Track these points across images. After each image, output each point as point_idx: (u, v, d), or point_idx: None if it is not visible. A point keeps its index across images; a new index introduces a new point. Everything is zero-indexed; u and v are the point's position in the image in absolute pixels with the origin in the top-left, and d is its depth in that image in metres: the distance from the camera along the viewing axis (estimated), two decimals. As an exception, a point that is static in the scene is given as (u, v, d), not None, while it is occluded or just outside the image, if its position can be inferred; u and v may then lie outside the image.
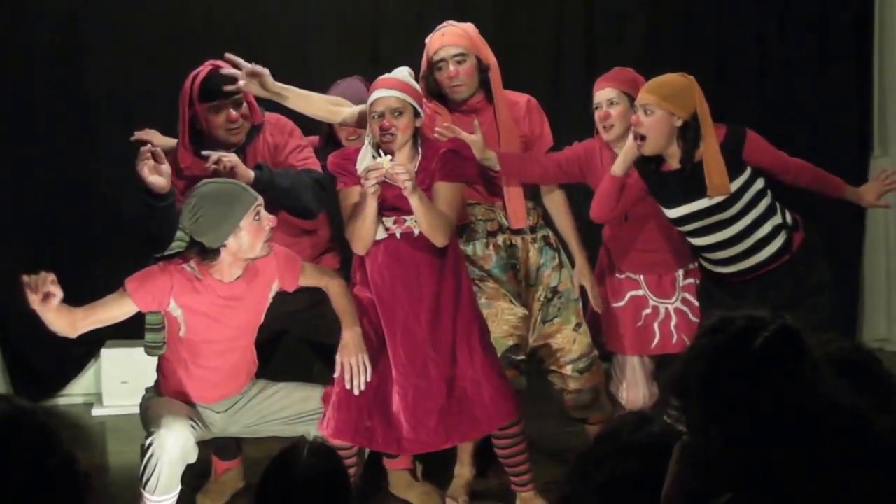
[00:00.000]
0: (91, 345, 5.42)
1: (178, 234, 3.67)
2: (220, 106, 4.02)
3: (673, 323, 4.30)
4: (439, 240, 3.85)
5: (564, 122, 4.68)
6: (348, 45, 5.59)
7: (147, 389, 3.99)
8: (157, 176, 3.86)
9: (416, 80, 3.99)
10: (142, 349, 3.88)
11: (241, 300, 3.78)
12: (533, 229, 4.32)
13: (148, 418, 3.80)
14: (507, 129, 4.24)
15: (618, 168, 4.05)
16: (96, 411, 5.39)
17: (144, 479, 3.67)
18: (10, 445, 1.75)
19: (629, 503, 2.13)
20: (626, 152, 4.04)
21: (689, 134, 3.91)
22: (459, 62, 4.17)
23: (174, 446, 3.65)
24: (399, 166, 3.74)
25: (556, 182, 4.35)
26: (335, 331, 3.94)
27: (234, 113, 4.02)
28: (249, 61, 4.03)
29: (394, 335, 3.92)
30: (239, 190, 3.70)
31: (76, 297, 5.46)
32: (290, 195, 3.98)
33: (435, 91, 4.22)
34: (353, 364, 3.85)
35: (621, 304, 4.34)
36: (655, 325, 4.30)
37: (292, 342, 4.43)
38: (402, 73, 3.94)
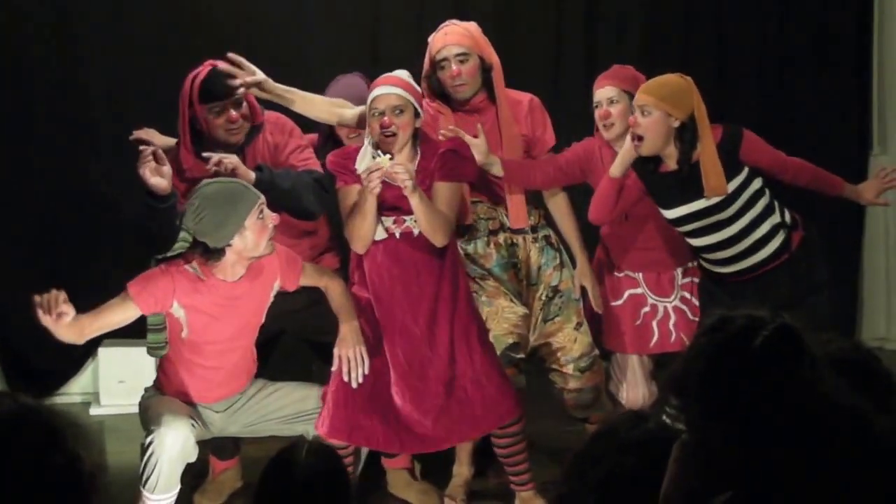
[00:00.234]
0: (88, 344, 5.39)
1: (182, 234, 3.67)
2: (220, 107, 4.02)
3: (671, 321, 4.30)
4: (439, 240, 3.85)
5: (564, 121, 4.68)
6: (348, 45, 5.58)
7: (146, 389, 4.00)
8: (158, 177, 3.85)
9: (416, 80, 3.99)
10: (139, 348, 3.89)
11: (243, 299, 3.78)
12: (534, 229, 4.31)
13: (148, 417, 3.80)
14: (510, 128, 4.23)
15: (615, 169, 4.05)
16: (94, 410, 5.39)
17: (144, 477, 3.67)
18: (16, 443, 1.74)
19: (626, 501, 2.13)
20: (624, 154, 4.03)
21: (686, 135, 3.91)
22: (462, 61, 4.16)
23: (174, 444, 3.65)
24: (399, 166, 3.73)
25: (558, 186, 4.34)
26: (334, 330, 3.94)
27: (233, 114, 4.02)
28: (249, 60, 4.02)
29: (392, 335, 3.92)
30: (242, 189, 3.71)
31: (76, 296, 5.48)
32: (291, 196, 3.98)
33: (438, 91, 4.22)
34: (350, 357, 3.86)
35: (620, 302, 4.34)
36: (654, 324, 4.30)
37: (291, 342, 4.43)
38: (403, 73, 3.94)
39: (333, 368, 3.90)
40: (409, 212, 3.86)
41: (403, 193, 3.76)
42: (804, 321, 2.05)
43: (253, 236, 3.66)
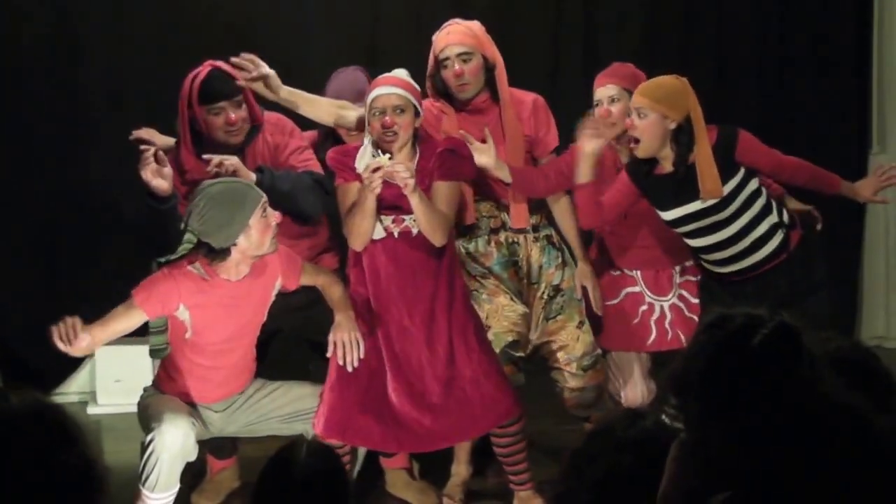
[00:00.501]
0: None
1: (187, 236, 3.68)
2: (220, 108, 4.02)
3: (668, 320, 4.30)
4: (438, 239, 3.84)
5: (563, 121, 4.66)
6: (346, 45, 5.57)
7: (145, 388, 4.00)
8: (159, 179, 3.86)
9: (415, 80, 3.98)
10: (136, 348, 3.90)
11: (247, 298, 3.80)
12: (536, 228, 4.31)
13: (148, 416, 3.79)
14: (513, 128, 4.21)
15: (583, 175, 4.02)
16: (91, 410, 5.38)
17: (144, 475, 3.67)
18: (32, 442, 1.73)
19: (624, 500, 2.13)
20: (584, 159, 4.00)
21: (682, 137, 3.89)
22: (465, 61, 4.14)
23: (175, 442, 3.65)
24: (400, 164, 3.73)
25: (562, 190, 4.31)
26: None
27: (233, 115, 4.02)
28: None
29: (389, 334, 3.92)
30: (246, 189, 3.72)
31: (76, 296, 5.49)
32: (291, 198, 3.98)
33: (441, 90, 4.20)
34: (345, 340, 3.86)
35: (617, 301, 4.34)
36: (652, 322, 4.30)
37: (288, 341, 4.43)
38: (402, 72, 3.93)
39: (329, 355, 3.90)
40: (408, 211, 3.86)
41: (403, 192, 3.76)
42: (803, 320, 2.05)
43: (257, 235, 3.67)
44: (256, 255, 3.72)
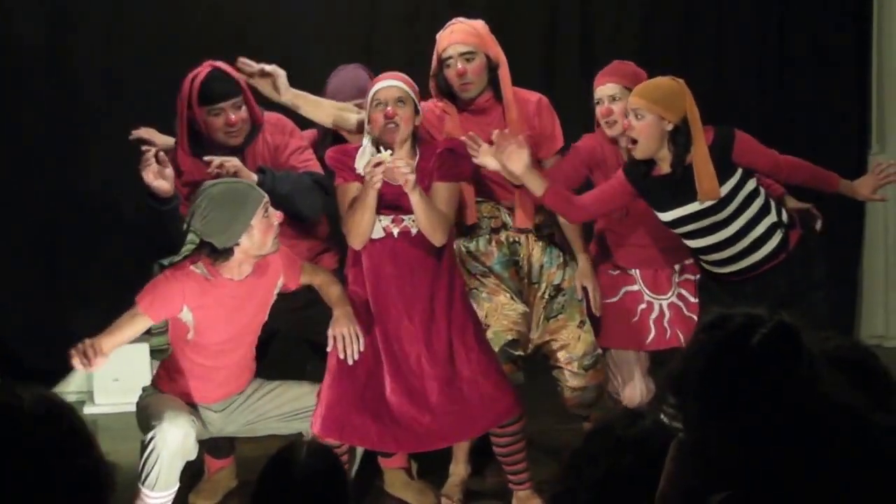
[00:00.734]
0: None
1: (190, 236, 3.69)
2: (220, 109, 4.02)
3: (667, 319, 4.30)
4: (438, 238, 3.84)
5: (560, 120, 4.65)
6: (345, 44, 5.56)
7: (144, 388, 4.00)
8: (161, 180, 3.87)
9: (413, 79, 3.98)
10: (133, 347, 3.89)
11: (250, 298, 3.82)
12: (538, 227, 4.30)
13: (148, 414, 3.79)
14: (516, 128, 4.18)
15: (536, 189, 3.99)
16: (88, 409, 5.37)
17: (144, 474, 3.68)
18: (46, 442, 1.72)
19: (623, 500, 2.12)
20: (523, 178, 3.96)
21: (679, 138, 3.89)
22: (468, 60, 4.13)
23: (176, 440, 3.66)
24: (401, 160, 3.73)
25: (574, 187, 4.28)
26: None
27: (233, 116, 4.02)
28: (242, 56, 4.02)
29: (388, 333, 3.93)
30: (247, 188, 3.74)
31: (74, 296, 5.49)
32: (292, 199, 3.99)
33: (444, 89, 4.19)
34: (344, 334, 3.86)
35: (616, 299, 4.33)
36: (650, 321, 4.30)
37: (287, 341, 4.43)
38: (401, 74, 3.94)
39: (329, 349, 3.90)
40: (408, 211, 3.86)
41: (404, 190, 3.76)
42: (802, 319, 2.04)
43: (260, 235, 3.69)
44: (259, 254, 3.73)
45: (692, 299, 4.28)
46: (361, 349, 3.89)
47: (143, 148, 4.02)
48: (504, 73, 4.20)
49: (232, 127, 4.04)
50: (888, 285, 6.20)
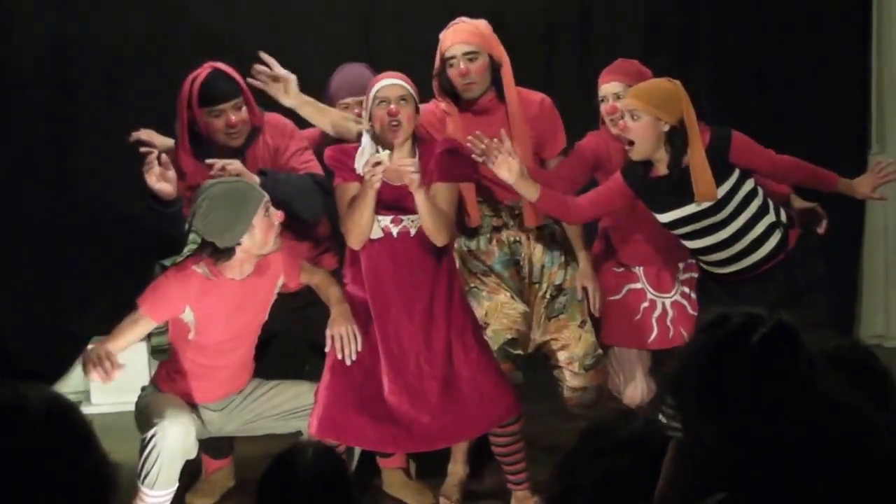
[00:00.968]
0: (77, 342, 5.40)
1: (191, 236, 3.70)
2: (220, 110, 4.02)
3: (670, 317, 4.30)
4: (441, 239, 3.85)
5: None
6: (342, 44, 5.55)
7: (143, 387, 4.00)
8: (163, 182, 3.88)
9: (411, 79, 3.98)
10: (131, 347, 3.87)
11: (251, 297, 3.83)
12: (540, 227, 4.29)
13: (148, 413, 3.80)
14: (520, 129, 4.17)
15: (530, 195, 3.99)
16: (85, 409, 5.27)
17: (144, 472, 3.68)
18: (52, 442, 1.71)
19: (618, 501, 2.12)
20: (516, 185, 3.96)
21: (676, 139, 3.88)
22: (471, 60, 4.12)
23: (176, 438, 3.67)
24: (407, 160, 3.73)
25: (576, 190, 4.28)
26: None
27: (233, 117, 4.03)
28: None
29: (387, 333, 3.92)
30: (247, 188, 3.75)
31: (73, 296, 5.49)
32: (293, 200, 4.00)
33: (448, 89, 4.18)
34: (342, 334, 3.86)
35: (618, 297, 4.33)
36: (653, 320, 4.30)
37: (287, 341, 4.43)
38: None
39: (326, 349, 3.91)
40: (407, 211, 3.87)
41: (406, 190, 3.75)
42: (802, 319, 2.04)
43: (261, 234, 3.70)
44: (261, 253, 3.75)
45: (696, 297, 4.27)
46: (359, 349, 3.89)
47: (143, 150, 4.02)
48: (507, 73, 4.19)
49: (232, 128, 4.04)
50: (888, 285, 6.20)
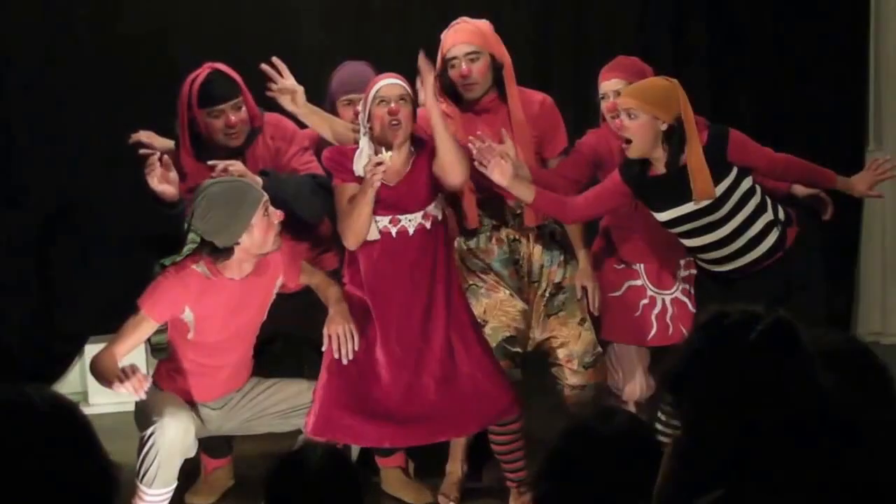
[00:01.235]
0: (74, 342, 5.40)
1: (190, 236, 3.69)
2: (219, 111, 4.02)
3: (669, 314, 4.30)
4: (456, 174, 3.85)
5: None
6: (335, 44, 5.55)
7: (143, 386, 3.99)
8: (165, 184, 3.87)
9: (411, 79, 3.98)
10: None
11: (251, 297, 3.83)
12: (540, 226, 4.29)
13: (147, 411, 3.80)
14: (521, 129, 4.17)
15: (526, 197, 3.99)
16: (83, 410, 5.35)
17: (142, 470, 3.68)
18: (55, 442, 1.72)
19: (603, 498, 2.13)
20: (511, 189, 3.96)
21: (673, 138, 3.87)
22: (472, 60, 4.11)
23: (176, 436, 3.67)
24: (430, 84, 3.78)
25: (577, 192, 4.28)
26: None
27: (232, 118, 4.03)
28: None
29: (387, 332, 3.93)
30: (245, 187, 3.75)
31: (71, 297, 5.48)
32: (296, 201, 4.00)
33: (449, 89, 4.18)
34: (340, 333, 3.86)
35: (618, 293, 4.34)
36: (653, 317, 4.30)
37: (287, 341, 4.43)
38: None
39: (324, 348, 3.91)
40: (405, 211, 3.89)
41: (406, 189, 3.79)
42: (799, 316, 2.04)
43: (260, 233, 3.70)
44: (260, 253, 3.75)
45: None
46: (356, 348, 3.89)
47: (142, 152, 4.02)
48: (509, 74, 4.18)
49: (232, 128, 4.04)
50: (885, 282, 6.20)
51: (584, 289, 4.31)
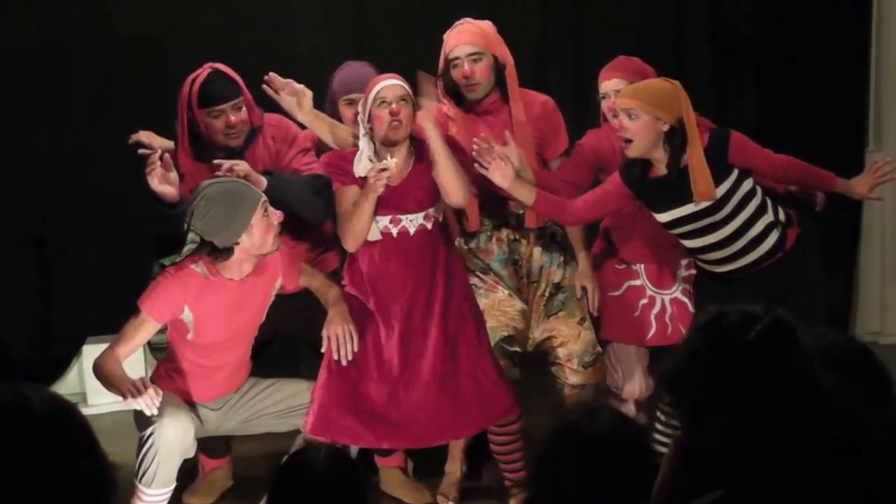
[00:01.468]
0: (73, 343, 5.40)
1: (190, 235, 3.70)
2: (219, 111, 4.02)
3: (669, 314, 4.30)
4: (458, 199, 3.87)
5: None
6: (334, 44, 5.55)
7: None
8: (166, 185, 3.87)
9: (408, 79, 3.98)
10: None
11: (250, 297, 3.83)
12: (541, 227, 4.29)
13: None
14: (523, 130, 4.17)
15: (527, 199, 3.98)
16: (81, 410, 5.34)
17: (141, 470, 3.68)
18: (54, 443, 1.72)
19: (592, 497, 2.13)
20: (512, 190, 3.96)
21: (675, 139, 3.87)
22: (475, 61, 4.11)
23: (175, 436, 3.66)
24: (430, 105, 3.79)
25: (578, 195, 4.27)
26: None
27: (232, 118, 4.02)
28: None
29: (387, 332, 3.93)
30: (244, 188, 3.74)
31: (69, 297, 5.48)
32: (300, 201, 3.99)
33: (452, 89, 4.18)
34: (339, 334, 3.87)
35: (618, 293, 4.34)
36: (652, 316, 4.30)
37: (287, 342, 4.42)
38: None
39: (323, 349, 3.91)
40: (406, 210, 3.89)
41: (406, 190, 3.78)
42: (798, 316, 2.04)
43: (260, 234, 3.69)
44: (260, 253, 3.75)
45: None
46: (355, 349, 3.89)
47: (142, 152, 4.02)
48: (511, 75, 4.17)
49: (232, 128, 4.04)
50: (884, 282, 6.20)
51: (584, 289, 4.31)
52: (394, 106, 3.81)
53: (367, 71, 4.32)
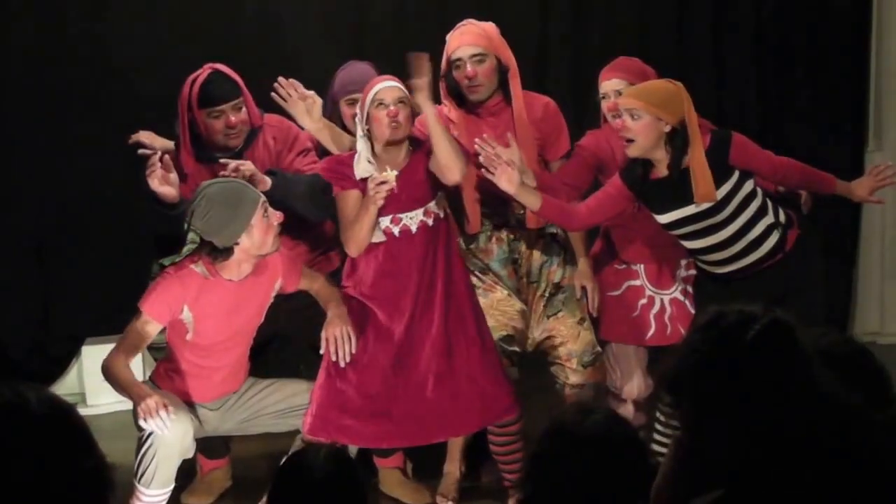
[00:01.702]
0: (72, 343, 5.40)
1: (190, 236, 3.70)
2: (219, 111, 4.02)
3: (668, 314, 4.30)
4: (454, 172, 3.83)
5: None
6: (332, 44, 5.55)
7: (142, 385, 4.00)
8: (166, 186, 3.87)
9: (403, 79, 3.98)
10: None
11: (249, 298, 3.83)
12: (541, 227, 4.29)
13: None
14: (525, 132, 4.17)
15: (532, 205, 3.97)
16: (81, 411, 5.32)
17: (140, 471, 3.68)
18: (52, 443, 1.72)
19: (587, 497, 2.13)
20: (518, 195, 3.95)
21: (677, 140, 3.87)
22: (478, 62, 4.10)
23: (174, 436, 3.66)
24: (422, 87, 3.77)
25: (578, 197, 4.26)
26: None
27: (232, 118, 4.03)
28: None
29: (387, 332, 3.93)
30: (244, 188, 3.75)
31: (67, 298, 5.48)
32: (305, 200, 4.00)
33: (454, 90, 4.17)
34: (337, 335, 3.87)
35: (617, 293, 4.33)
36: (651, 316, 4.30)
37: (286, 342, 4.42)
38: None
39: (322, 351, 3.91)
40: (406, 209, 3.90)
41: (396, 191, 3.76)
42: (797, 316, 2.04)
43: (259, 234, 3.70)
44: (259, 254, 3.75)
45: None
46: (354, 351, 3.89)
47: (142, 152, 4.02)
48: (514, 77, 4.17)
49: (232, 129, 4.04)
50: (884, 282, 6.21)
51: (584, 289, 4.31)
52: (392, 108, 3.82)
53: (369, 71, 4.32)
